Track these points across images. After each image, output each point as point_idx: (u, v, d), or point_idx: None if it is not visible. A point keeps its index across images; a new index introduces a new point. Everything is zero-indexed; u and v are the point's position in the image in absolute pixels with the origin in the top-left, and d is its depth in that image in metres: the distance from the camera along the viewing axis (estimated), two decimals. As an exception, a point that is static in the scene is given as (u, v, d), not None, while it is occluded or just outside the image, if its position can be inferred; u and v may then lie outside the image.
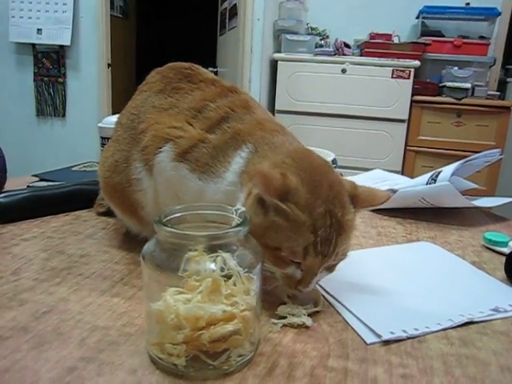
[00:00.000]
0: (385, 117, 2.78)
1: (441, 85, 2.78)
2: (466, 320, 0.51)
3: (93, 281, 0.57)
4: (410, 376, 0.41)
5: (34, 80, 3.15)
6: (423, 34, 2.90)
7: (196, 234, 0.41)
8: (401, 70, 2.70)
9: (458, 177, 0.92)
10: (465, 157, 0.93)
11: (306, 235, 0.46)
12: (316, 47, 2.93)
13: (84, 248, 0.67)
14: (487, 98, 2.75)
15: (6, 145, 1.07)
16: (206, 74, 0.65)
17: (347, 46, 2.95)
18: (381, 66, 2.73)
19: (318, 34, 3.06)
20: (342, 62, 2.78)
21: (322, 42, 3.01)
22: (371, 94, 2.76)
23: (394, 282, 0.60)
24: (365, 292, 0.57)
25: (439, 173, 0.86)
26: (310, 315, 0.49)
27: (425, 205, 0.88)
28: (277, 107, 2.90)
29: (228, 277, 0.39)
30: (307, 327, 0.48)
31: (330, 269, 0.51)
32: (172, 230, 0.40)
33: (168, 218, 0.43)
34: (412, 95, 2.74)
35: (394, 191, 0.88)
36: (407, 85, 2.72)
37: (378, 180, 1.07)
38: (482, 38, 2.86)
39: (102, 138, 0.97)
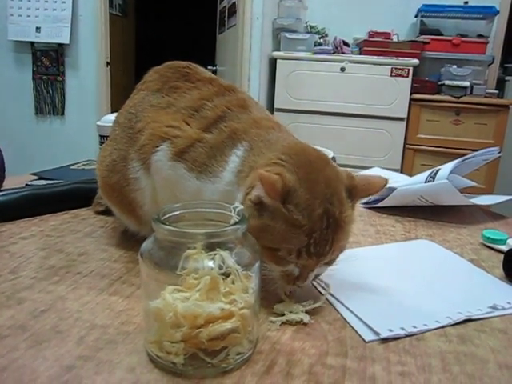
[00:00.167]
0: (384, 115, 2.78)
1: (439, 83, 2.78)
2: (465, 318, 0.51)
3: (91, 279, 0.57)
4: (408, 373, 0.42)
5: (33, 78, 3.14)
6: (422, 33, 2.91)
7: (194, 232, 0.41)
8: (400, 69, 2.70)
9: (457, 175, 0.92)
10: (463, 155, 0.93)
11: (301, 238, 0.47)
12: (315, 45, 2.93)
13: (82, 246, 0.67)
14: (486, 97, 2.75)
15: (5, 143, 1.07)
16: (203, 73, 0.65)
17: (346, 44, 2.95)
18: (380, 65, 2.73)
19: (317, 33, 3.05)
20: (341, 61, 2.78)
21: (321, 40, 3.01)
22: (370, 92, 2.76)
23: (393, 279, 0.60)
24: (363, 290, 0.57)
25: (438, 171, 0.86)
26: (308, 312, 0.49)
27: (423, 203, 0.88)
28: (276, 105, 2.90)
29: (226, 275, 0.39)
30: (305, 324, 0.48)
31: (329, 263, 0.52)
32: (170, 228, 0.40)
33: (166, 216, 0.43)
34: (411, 93, 2.74)
35: (392, 189, 0.88)
36: (406, 83, 2.72)
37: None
38: (480, 36, 2.86)
39: (101, 136, 0.97)
